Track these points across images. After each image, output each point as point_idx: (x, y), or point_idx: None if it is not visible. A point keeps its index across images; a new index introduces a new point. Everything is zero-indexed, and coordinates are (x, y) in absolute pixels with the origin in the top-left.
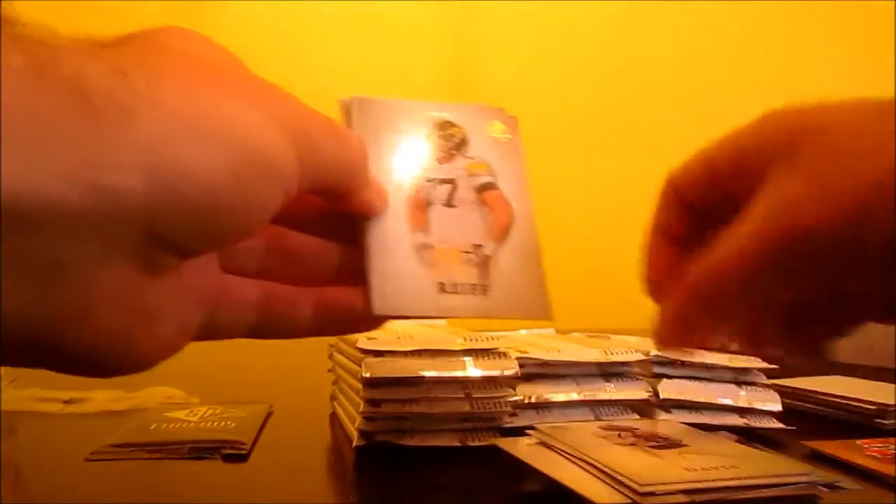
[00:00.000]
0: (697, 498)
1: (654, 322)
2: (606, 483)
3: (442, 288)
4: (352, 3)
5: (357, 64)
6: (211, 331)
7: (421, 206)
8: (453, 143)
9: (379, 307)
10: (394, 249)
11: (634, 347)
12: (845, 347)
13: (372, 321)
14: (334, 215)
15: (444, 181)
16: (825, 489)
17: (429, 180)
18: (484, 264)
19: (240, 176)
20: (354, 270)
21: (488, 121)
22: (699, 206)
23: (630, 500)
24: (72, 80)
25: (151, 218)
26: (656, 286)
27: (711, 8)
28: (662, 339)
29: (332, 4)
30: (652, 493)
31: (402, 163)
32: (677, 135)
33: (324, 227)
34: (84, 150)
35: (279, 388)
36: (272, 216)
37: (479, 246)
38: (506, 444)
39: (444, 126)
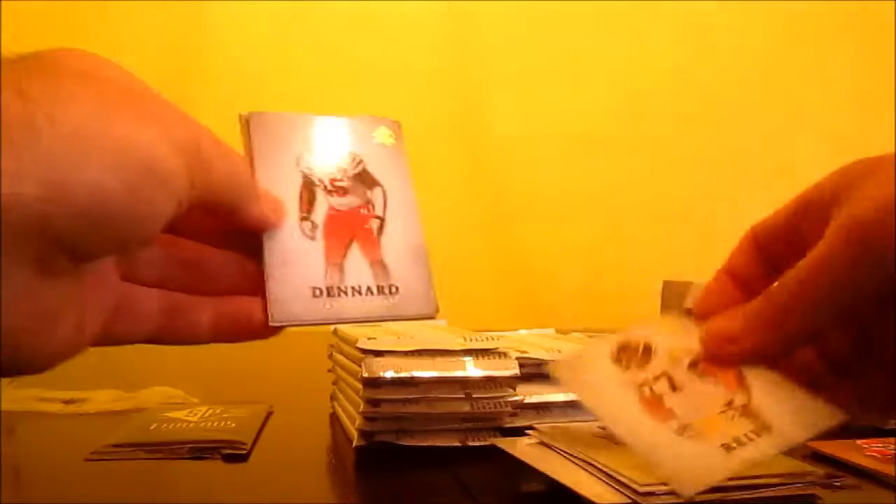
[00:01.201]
0: (698, 498)
1: (713, 329)
2: (606, 483)
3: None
4: (352, 3)
5: (357, 64)
6: (112, 336)
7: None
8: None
9: (276, 317)
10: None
11: None
12: None
13: (269, 330)
14: (237, 227)
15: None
16: (828, 489)
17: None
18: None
19: (131, 186)
20: (252, 280)
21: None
22: (774, 256)
23: (630, 500)
24: None
25: (44, 223)
26: (707, 315)
27: (712, 8)
28: (723, 343)
29: (332, 4)
30: (652, 493)
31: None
32: (678, 135)
33: (228, 239)
34: None
35: (279, 388)
36: (163, 226)
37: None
38: (506, 444)
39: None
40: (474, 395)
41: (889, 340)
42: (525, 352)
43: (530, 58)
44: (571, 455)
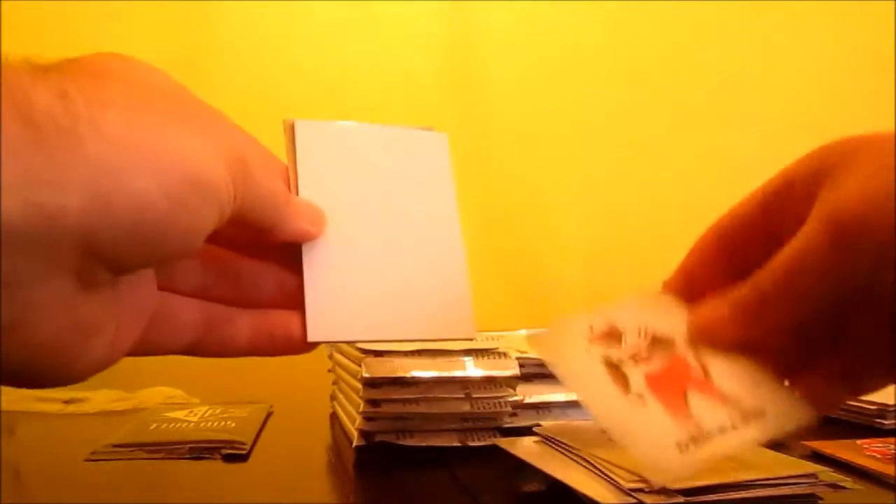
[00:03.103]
0: (701, 497)
1: (699, 318)
2: (609, 482)
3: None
4: (352, 3)
5: (357, 64)
6: (147, 347)
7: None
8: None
9: (313, 334)
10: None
11: None
12: None
13: (307, 346)
14: (274, 242)
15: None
16: (829, 489)
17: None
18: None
19: (175, 198)
20: (291, 293)
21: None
22: (740, 254)
23: (633, 500)
24: (16, 101)
25: (87, 235)
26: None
27: (713, 8)
28: (711, 332)
29: (332, 4)
30: (656, 492)
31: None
32: (677, 136)
33: (267, 249)
34: (27, 170)
35: (279, 388)
36: (205, 238)
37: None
38: (507, 443)
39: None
40: (474, 395)
41: (865, 321)
42: (525, 352)
43: (530, 58)
44: (573, 454)
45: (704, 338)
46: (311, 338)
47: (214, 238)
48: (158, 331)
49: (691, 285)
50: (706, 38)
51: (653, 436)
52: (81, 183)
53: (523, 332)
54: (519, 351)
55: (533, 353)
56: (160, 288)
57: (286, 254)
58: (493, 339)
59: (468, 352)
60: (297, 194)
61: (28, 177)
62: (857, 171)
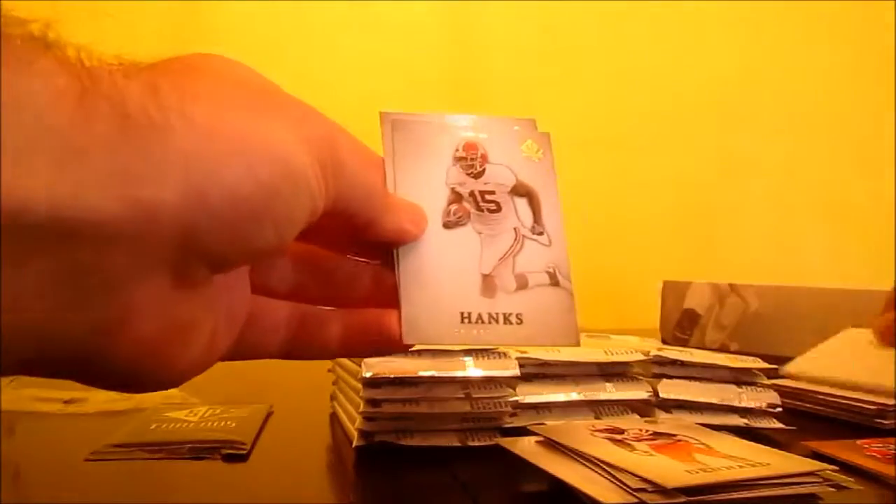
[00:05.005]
0: (704, 497)
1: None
2: (612, 482)
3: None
4: (352, 2)
5: (357, 64)
6: (242, 350)
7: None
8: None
9: (408, 335)
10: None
11: (634, 347)
12: None
13: (403, 346)
14: (370, 239)
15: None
16: (832, 488)
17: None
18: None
19: (269, 189)
20: (386, 292)
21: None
22: None
23: (636, 500)
24: (111, 98)
25: (185, 230)
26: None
27: (713, 9)
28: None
29: (332, 4)
30: (657, 492)
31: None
32: (679, 136)
33: (359, 246)
34: (123, 165)
35: (279, 388)
36: (298, 231)
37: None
38: (508, 443)
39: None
40: (474, 395)
41: None
42: (525, 352)
43: (530, 58)
44: (575, 454)
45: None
46: (406, 339)
47: (306, 236)
48: (253, 333)
49: None
50: (706, 38)
51: (663, 466)
52: (176, 176)
53: None
54: (519, 351)
55: (533, 353)
56: (253, 291)
57: (379, 252)
58: None
59: (468, 352)
60: (395, 191)
61: (125, 172)
62: None
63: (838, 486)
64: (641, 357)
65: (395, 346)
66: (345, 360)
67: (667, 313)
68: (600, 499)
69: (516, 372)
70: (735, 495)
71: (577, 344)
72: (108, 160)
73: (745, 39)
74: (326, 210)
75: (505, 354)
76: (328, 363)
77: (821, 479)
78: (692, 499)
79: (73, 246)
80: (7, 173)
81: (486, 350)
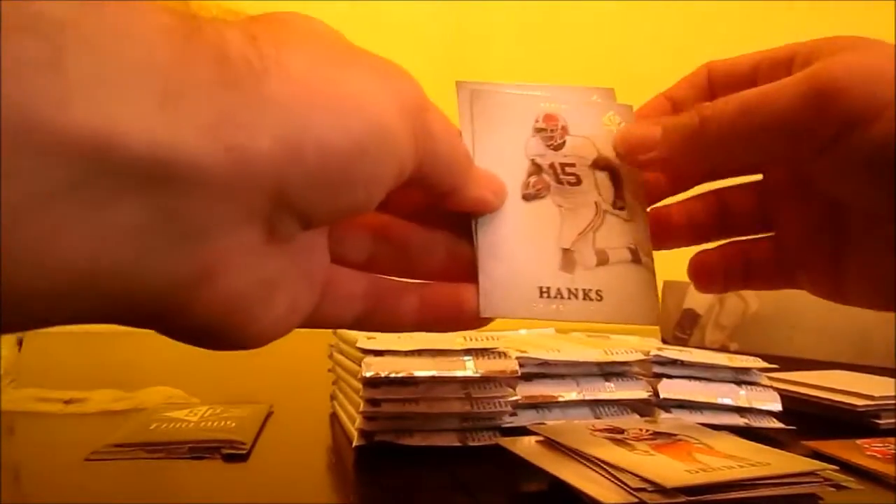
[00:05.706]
0: (704, 497)
1: (626, 130)
2: (612, 481)
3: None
4: (352, 2)
5: None
6: (319, 318)
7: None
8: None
9: (485, 308)
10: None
11: (634, 347)
12: (845, 348)
13: (480, 321)
14: (451, 208)
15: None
16: (832, 487)
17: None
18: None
19: (362, 146)
20: (462, 264)
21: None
22: (723, 94)
23: (636, 500)
24: (213, 42)
25: (279, 181)
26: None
27: (713, 8)
28: (633, 145)
29: (332, 4)
30: (657, 492)
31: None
32: None
33: (436, 218)
34: (222, 110)
35: (279, 388)
36: (386, 191)
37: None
38: (508, 442)
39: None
40: (474, 395)
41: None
42: (525, 352)
43: (529, 57)
44: (575, 454)
45: (624, 148)
46: (484, 313)
47: (383, 204)
48: (330, 302)
49: (669, 111)
50: (706, 38)
51: (663, 466)
52: (272, 125)
53: (523, 332)
54: (519, 351)
55: (533, 353)
56: (331, 260)
57: (455, 223)
58: (492, 338)
59: (468, 351)
60: (474, 161)
61: (223, 117)
62: (856, 50)
63: (838, 486)
64: (641, 357)
65: (471, 320)
66: (345, 360)
67: (667, 313)
68: (600, 499)
69: (516, 372)
70: (735, 495)
71: (657, 323)
72: (208, 104)
73: (745, 39)
74: (412, 175)
75: (505, 354)
76: (328, 363)
77: (821, 479)
78: (692, 498)
79: (164, 190)
80: (103, 104)
81: (485, 349)
